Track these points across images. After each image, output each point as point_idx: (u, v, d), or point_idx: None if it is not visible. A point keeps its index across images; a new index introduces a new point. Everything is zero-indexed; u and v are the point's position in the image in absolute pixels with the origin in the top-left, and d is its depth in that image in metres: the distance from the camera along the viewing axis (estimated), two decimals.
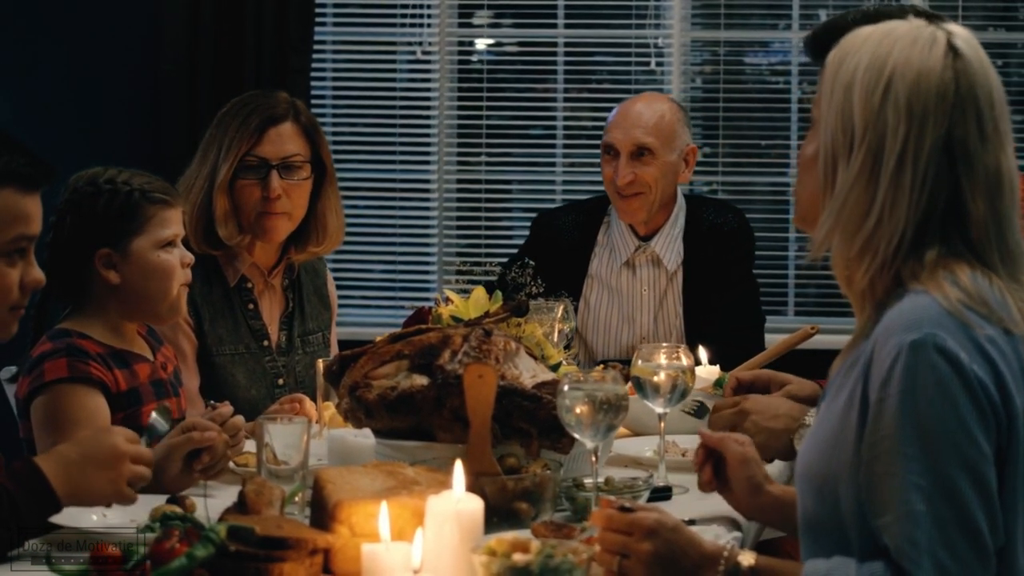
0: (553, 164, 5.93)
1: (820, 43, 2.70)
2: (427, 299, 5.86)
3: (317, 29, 5.72)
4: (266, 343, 3.62)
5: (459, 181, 5.91)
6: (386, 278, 5.95)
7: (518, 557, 1.87)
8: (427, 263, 5.93)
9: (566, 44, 5.86)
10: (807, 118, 2.51)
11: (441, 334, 2.66)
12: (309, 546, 1.99)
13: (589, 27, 5.85)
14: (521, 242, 4.54)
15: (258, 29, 5.56)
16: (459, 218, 5.92)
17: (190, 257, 3.07)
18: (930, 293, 1.88)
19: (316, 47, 5.72)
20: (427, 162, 5.90)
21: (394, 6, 5.87)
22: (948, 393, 1.83)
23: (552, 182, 5.93)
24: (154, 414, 2.54)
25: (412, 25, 5.88)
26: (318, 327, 3.75)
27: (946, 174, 1.90)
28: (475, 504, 1.98)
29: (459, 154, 5.91)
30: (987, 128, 1.92)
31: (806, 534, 2.03)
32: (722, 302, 4.14)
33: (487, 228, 5.91)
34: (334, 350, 3.79)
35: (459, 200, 5.92)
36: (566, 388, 2.38)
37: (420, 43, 5.90)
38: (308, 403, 3.24)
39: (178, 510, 2.40)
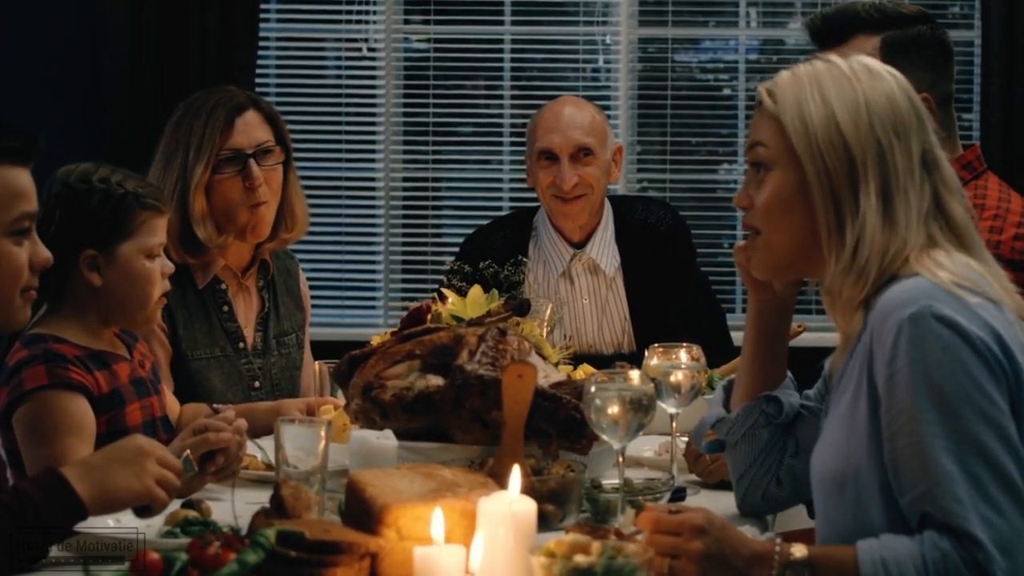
0: (500, 160, 5.92)
1: (829, 29, 2.83)
2: (374, 297, 5.84)
3: (261, 25, 5.66)
4: (241, 345, 3.56)
5: (405, 179, 5.88)
6: (333, 276, 5.89)
7: (580, 559, 1.84)
8: (373, 260, 5.88)
9: (513, 41, 5.85)
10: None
11: (452, 333, 2.64)
12: (360, 550, 1.95)
13: (536, 24, 5.84)
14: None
15: (202, 25, 5.49)
16: (405, 215, 5.88)
17: (170, 267, 3.02)
18: (920, 275, 1.97)
19: (260, 43, 5.66)
20: (373, 159, 5.85)
21: (339, 1, 5.82)
22: (955, 355, 1.90)
23: (500, 180, 5.92)
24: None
25: (357, 21, 5.84)
26: (292, 328, 3.69)
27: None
28: (529, 506, 1.95)
29: (405, 151, 5.88)
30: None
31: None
32: (679, 304, 4.04)
33: (434, 225, 5.88)
34: (307, 352, 3.74)
35: (406, 197, 5.88)
36: (594, 389, 2.36)
37: (365, 39, 5.86)
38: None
39: (196, 514, 2.37)
